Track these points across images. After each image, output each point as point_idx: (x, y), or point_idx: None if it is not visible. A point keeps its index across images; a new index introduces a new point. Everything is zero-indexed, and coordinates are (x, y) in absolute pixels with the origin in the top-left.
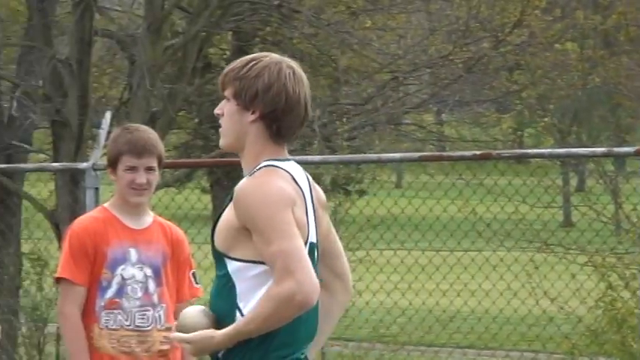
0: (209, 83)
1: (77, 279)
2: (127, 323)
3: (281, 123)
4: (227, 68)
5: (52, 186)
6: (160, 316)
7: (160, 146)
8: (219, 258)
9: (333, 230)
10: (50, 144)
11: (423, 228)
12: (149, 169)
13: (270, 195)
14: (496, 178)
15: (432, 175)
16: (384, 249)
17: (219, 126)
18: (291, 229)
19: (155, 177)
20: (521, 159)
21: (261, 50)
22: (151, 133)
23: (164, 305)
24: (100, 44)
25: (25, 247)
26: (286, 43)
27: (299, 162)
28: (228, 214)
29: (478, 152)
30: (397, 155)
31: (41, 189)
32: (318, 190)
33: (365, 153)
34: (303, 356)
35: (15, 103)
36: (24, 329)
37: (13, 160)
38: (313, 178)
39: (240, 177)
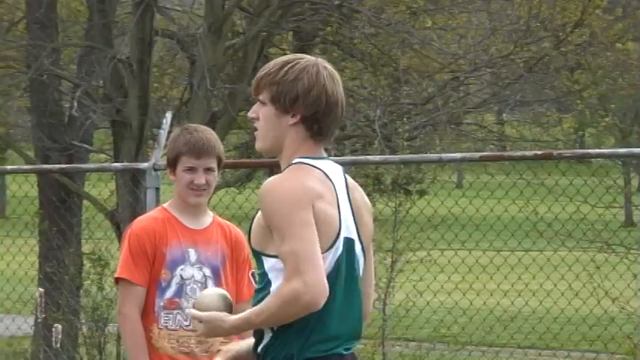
0: None
1: (136, 279)
2: (186, 323)
3: (321, 124)
4: (261, 72)
5: (112, 186)
6: None
7: (219, 147)
8: (257, 256)
9: (371, 252)
10: (111, 144)
11: (484, 228)
12: (208, 169)
13: (290, 193)
14: (557, 178)
15: (492, 175)
16: (445, 249)
17: (255, 129)
18: (306, 230)
19: (214, 178)
20: (583, 159)
21: (322, 51)
22: (210, 134)
23: None
24: (160, 44)
25: (86, 247)
26: (347, 43)
27: (360, 162)
28: (259, 212)
29: (539, 152)
30: (458, 155)
31: (102, 189)
32: (361, 193)
33: (425, 153)
34: (346, 352)
35: (76, 104)
36: (85, 329)
37: (73, 161)
38: (374, 178)
39: None
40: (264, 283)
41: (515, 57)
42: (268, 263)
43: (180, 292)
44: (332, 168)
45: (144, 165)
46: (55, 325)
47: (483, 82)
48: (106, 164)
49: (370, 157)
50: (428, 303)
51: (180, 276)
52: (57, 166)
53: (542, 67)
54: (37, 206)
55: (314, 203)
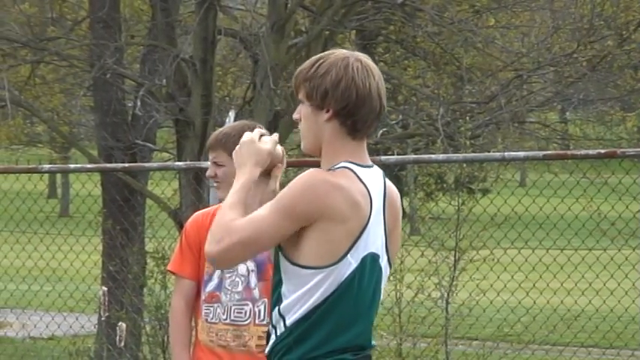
0: None
1: (182, 272)
2: (224, 317)
3: (355, 118)
4: (297, 71)
5: (175, 185)
6: (259, 311)
7: (231, 141)
8: (277, 252)
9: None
10: (174, 143)
11: (547, 227)
12: (215, 163)
13: (312, 191)
14: (621, 177)
15: (556, 173)
16: (507, 248)
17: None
18: (274, 225)
19: (223, 172)
20: None
21: (385, 49)
22: (231, 129)
23: (266, 300)
24: (223, 43)
25: (149, 246)
26: (409, 41)
27: (423, 161)
28: None
29: (603, 151)
30: (521, 154)
31: (165, 188)
32: (397, 202)
33: (489, 151)
34: (354, 357)
35: (139, 103)
36: (148, 328)
37: (137, 159)
38: (437, 177)
39: None
40: (277, 281)
41: (579, 55)
42: (284, 265)
43: (220, 285)
44: (374, 178)
45: (207, 164)
46: (119, 323)
47: (546, 81)
48: (169, 163)
49: (433, 156)
50: (491, 302)
51: (222, 269)
52: (120, 164)
53: (605, 65)
54: (101, 205)
55: (320, 222)
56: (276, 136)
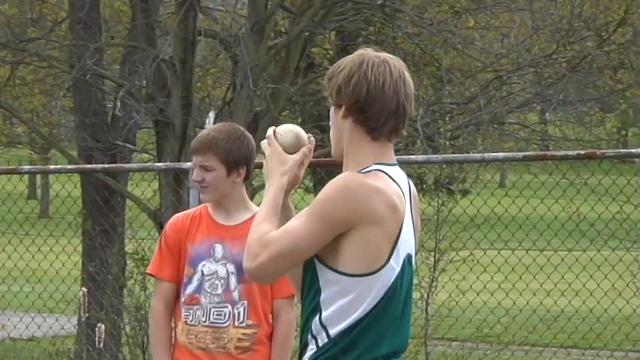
0: (312, 83)
1: (161, 274)
2: (204, 319)
3: (367, 114)
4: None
5: (155, 185)
6: (239, 313)
7: (222, 145)
8: (311, 260)
9: None
10: (154, 144)
11: (527, 227)
12: (202, 167)
13: (348, 194)
14: (600, 178)
15: (535, 174)
16: (487, 248)
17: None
18: (310, 233)
19: (212, 176)
20: (626, 158)
21: None
22: (216, 132)
23: (246, 302)
24: (203, 44)
25: (129, 247)
26: (389, 42)
27: (402, 162)
28: None
29: (582, 151)
30: (501, 155)
31: (145, 189)
32: (417, 200)
33: (468, 152)
34: None
35: (119, 103)
36: (128, 329)
37: (117, 160)
38: (416, 178)
39: None
40: (315, 290)
41: (558, 56)
42: (323, 272)
43: (200, 288)
44: (401, 177)
45: (187, 164)
46: (99, 324)
47: (526, 82)
48: (149, 164)
49: (413, 157)
50: (471, 302)
51: (202, 272)
52: (100, 165)
53: (585, 66)
54: (81, 206)
55: (359, 226)
56: (289, 126)
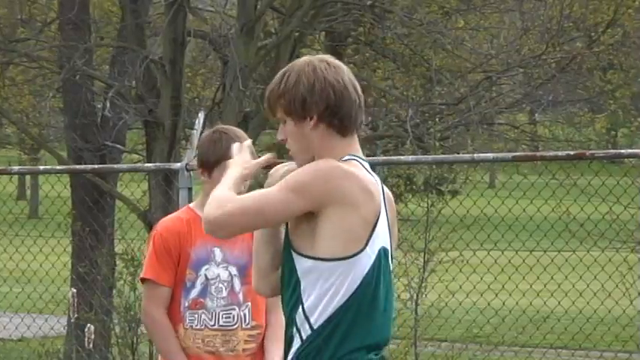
0: None
1: (161, 279)
2: (211, 323)
3: (340, 115)
4: (267, 92)
5: (145, 186)
6: (245, 314)
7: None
8: (289, 250)
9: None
10: (143, 144)
11: (517, 228)
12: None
13: (329, 172)
14: (590, 178)
15: (525, 175)
16: (477, 249)
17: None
18: (283, 202)
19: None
20: (615, 159)
21: (355, 51)
22: (240, 135)
23: (249, 303)
24: (193, 45)
25: (119, 248)
26: (379, 43)
27: (392, 162)
28: None
29: (572, 152)
30: (490, 155)
31: (134, 189)
32: (391, 197)
33: (458, 153)
34: (375, 356)
35: (108, 104)
36: (117, 329)
37: (106, 161)
38: (406, 179)
39: None
40: (294, 282)
41: (548, 57)
42: (300, 262)
43: (204, 292)
44: (375, 176)
45: (176, 165)
46: (88, 325)
47: (516, 82)
48: (138, 165)
49: (402, 158)
50: (460, 303)
51: (205, 276)
52: (90, 166)
53: (574, 67)
54: (70, 206)
55: (333, 207)
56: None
